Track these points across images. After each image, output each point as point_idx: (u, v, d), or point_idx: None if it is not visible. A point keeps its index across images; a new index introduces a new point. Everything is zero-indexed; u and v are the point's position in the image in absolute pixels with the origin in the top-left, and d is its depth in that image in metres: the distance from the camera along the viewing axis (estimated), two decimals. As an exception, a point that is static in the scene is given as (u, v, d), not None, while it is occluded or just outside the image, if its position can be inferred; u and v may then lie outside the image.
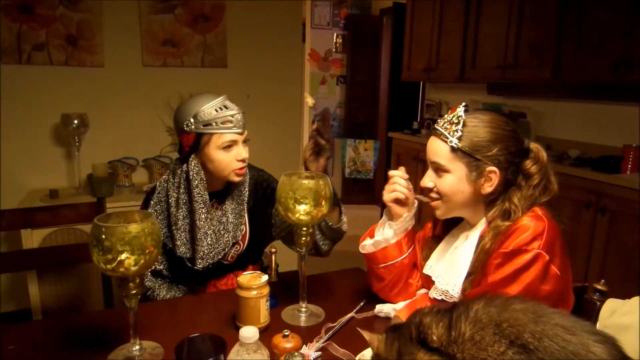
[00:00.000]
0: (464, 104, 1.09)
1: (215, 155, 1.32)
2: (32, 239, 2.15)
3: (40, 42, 2.51)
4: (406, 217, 1.20)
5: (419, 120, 4.63)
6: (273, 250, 1.56)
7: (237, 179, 1.38)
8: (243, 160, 1.36)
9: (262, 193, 1.49)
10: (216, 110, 1.30)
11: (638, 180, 2.32)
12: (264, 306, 1.10)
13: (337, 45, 5.22)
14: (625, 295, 1.04)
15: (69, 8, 2.53)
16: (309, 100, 1.53)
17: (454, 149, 1.05)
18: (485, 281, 1.00)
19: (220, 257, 1.41)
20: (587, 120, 3.05)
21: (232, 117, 1.31)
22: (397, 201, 1.19)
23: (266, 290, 1.11)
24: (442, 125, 1.08)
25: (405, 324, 0.72)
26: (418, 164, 3.90)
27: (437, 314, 0.68)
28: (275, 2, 2.97)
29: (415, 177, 1.18)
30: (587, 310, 1.09)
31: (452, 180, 1.07)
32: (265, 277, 1.11)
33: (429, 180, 1.12)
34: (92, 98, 2.63)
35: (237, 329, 0.99)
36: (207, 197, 1.36)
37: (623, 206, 2.36)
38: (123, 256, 0.89)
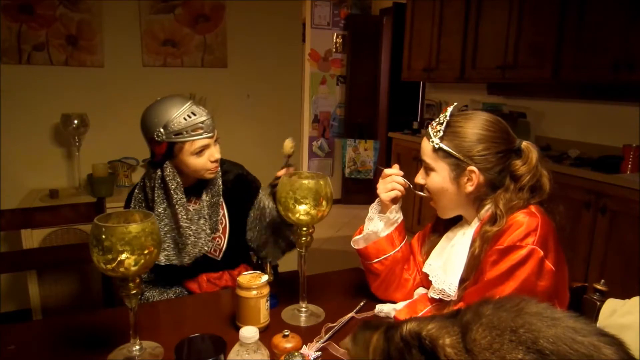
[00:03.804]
0: (454, 104, 1.11)
1: (189, 161, 1.33)
2: (32, 239, 2.15)
3: (40, 42, 2.51)
4: (394, 207, 1.22)
5: (419, 120, 4.63)
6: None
7: (211, 176, 1.40)
8: (216, 161, 1.38)
9: (245, 190, 1.52)
10: (185, 119, 1.29)
11: (638, 180, 2.32)
12: (264, 306, 1.10)
13: (337, 45, 5.22)
14: (625, 295, 1.04)
15: (69, 8, 2.53)
16: (288, 145, 1.31)
17: (435, 149, 1.08)
18: (482, 279, 1.00)
19: (205, 249, 1.42)
20: (587, 120, 3.05)
21: (202, 123, 1.31)
22: (393, 198, 1.22)
23: (266, 290, 1.11)
24: (431, 124, 1.11)
25: (395, 328, 0.71)
26: (418, 164, 3.89)
27: (442, 321, 0.67)
28: (275, 2, 2.97)
29: (415, 177, 1.20)
30: (587, 310, 1.08)
31: (437, 179, 1.10)
32: (265, 277, 1.11)
33: (420, 177, 1.16)
34: (92, 98, 2.63)
35: (237, 329, 0.99)
36: (185, 199, 1.38)
37: (623, 206, 2.36)
38: (123, 256, 0.89)
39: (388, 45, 5.14)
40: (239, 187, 1.51)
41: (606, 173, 2.50)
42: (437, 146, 1.07)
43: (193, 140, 1.30)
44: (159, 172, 1.36)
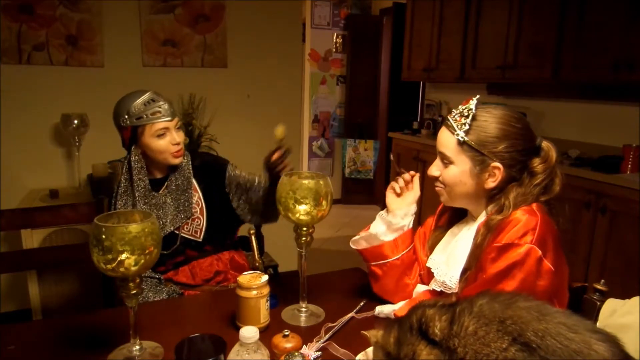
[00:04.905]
0: (477, 96, 1.08)
1: (152, 144, 1.46)
2: (32, 239, 2.15)
3: (40, 42, 2.51)
4: (399, 213, 1.21)
5: (419, 120, 4.63)
6: (252, 232, 1.56)
7: (175, 160, 1.51)
8: (178, 144, 1.49)
9: (213, 171, 1.61)
10: (145, 105, 1.45)
11: (638, 180, 2.32)
12: (264, 306, 1.10)
13: (337, 45, 5.22)
14: (625, 295, 1.04)
15: (69, 8, 2.53)
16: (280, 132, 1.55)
17: (460, 142, 1.05)
18: (481, 275, 1.00)
19: (170, 229, 1.49)
20: (587, 120, 3.05)
21: (160, 107, 1.46)
22: (394, 191, 1.23)
23: (266, 290, 1.11)
24: (453, 117, 1.08)
25: (406, 315, 0.73)
26: (418, 164, 3.90)
27: (441, 307, 0.68)
28: (275, 2, 2.97)
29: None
30: (587, 310, 1.08)
31: (456, 172, 1.08)
32: (265, 277, 1.11)
33: (435, 169, 1.13)
34: (92, 98, 2.62)
35: (237, 329, 0.99)
36: (147, 181, 1.50)
37: (623, 206, 2.36)
38: (123, 256, 0.89)
39: (388, 45, 5.13)
40: (207, 168, 1.61)
41: (606, 173, 2.50)
42: (462, 140, 1.05)
43: (153, 122, 1.45)
44: (127, 158, 1.49)
